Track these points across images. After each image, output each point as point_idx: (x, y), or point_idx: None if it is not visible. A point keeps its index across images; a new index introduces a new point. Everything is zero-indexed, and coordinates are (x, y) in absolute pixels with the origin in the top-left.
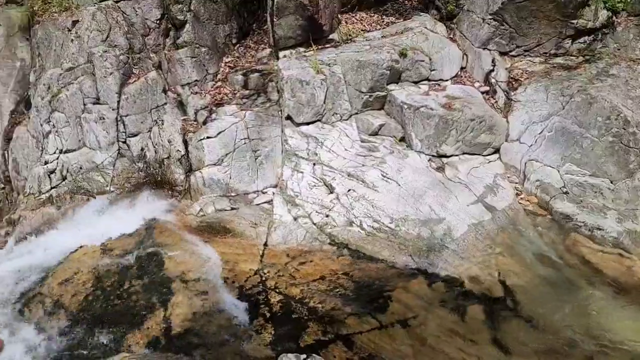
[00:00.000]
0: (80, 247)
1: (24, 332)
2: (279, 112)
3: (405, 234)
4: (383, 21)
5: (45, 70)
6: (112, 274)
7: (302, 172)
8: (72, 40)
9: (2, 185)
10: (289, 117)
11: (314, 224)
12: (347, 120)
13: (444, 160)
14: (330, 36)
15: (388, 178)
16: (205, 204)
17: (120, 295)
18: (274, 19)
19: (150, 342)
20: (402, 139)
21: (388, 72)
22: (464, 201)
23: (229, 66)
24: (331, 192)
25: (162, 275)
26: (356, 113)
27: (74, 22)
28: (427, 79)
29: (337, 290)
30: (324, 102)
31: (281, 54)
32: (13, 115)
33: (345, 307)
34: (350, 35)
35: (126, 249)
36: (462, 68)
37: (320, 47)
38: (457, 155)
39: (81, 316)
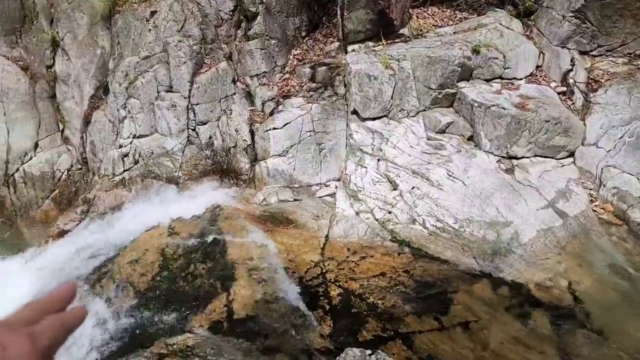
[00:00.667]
0: (149, 228)
1: (96, 305)
2: (345, 107)
3: (470, 235)
4: (456, 17)
5: (124, 58)
6: (178, 257)
7: (365, 167)
8: (149, 29)
9: (80, 166)
10: (355, 112)
11: (376, 219)
12: (414, 116)
13: (514, 161)
14: (401, 31)
15: (454, 177)
16: (268, 194)
17: (185, 278)
18: (345, 13)
19: (212, 325)
20: (470, 138)
21: (459, 69)
22: (533, 205)
23: (297, 59)
24: (394, 189)
25: (225, 260)
26: (424, 110)
27: (152, 13)
28: (500, 77)
29: (397, 287)
30: (392, 98)
31: (350, 47)
32: (92, 100)
33: (405, 306)
34: (421, 30)
35: (191, 233)
36: (537, 67)
37: (389, 41)
38: (528, 157)
39: (148, 295)
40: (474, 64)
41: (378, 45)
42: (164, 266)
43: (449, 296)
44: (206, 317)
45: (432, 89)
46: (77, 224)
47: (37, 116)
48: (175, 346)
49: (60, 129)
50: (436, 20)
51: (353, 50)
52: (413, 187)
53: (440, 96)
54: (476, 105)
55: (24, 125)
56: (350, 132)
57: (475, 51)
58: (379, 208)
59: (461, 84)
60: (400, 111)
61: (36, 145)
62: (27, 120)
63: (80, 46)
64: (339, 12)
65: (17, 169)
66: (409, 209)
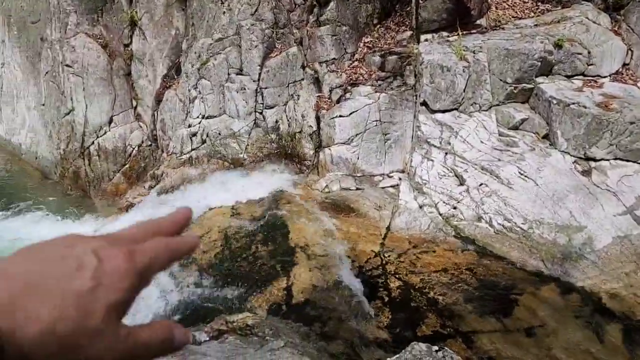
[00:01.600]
0: (213, 207)
1: (160, 278)
2: (414, 97)
3: (539, 237)
4: (537, 8)
5: (197, 40)
6: (240, 237)
7: (432, 161)
8: (223, 12)
9: (150, 143)
10: (424, 103)
11: (440, 214)
12: (486, 111)
13: (592, 163)
14: (478, 21)
15: (525, 176)
16: (331, 181)
17: (246, 258)
18: (420, 1)
19: (271, 306)
20: (546, 137)
21: (539, 63)
22: (610, 211)
23: (367, 46)
24: (461, 184)
25: (286, 244)
26: (497, 104)
27: None
28: (582, 74)
29: (460, 285)
30: (464, 91)
31: (423, 37)
32: (165, 79)
33: (467, 304)
34: (499, 21)
35: (254, 215)
36: (624, 65)
37: (465, 32)
38: (607, 160)
39: (210, 272)
40: (555, 59)
41: (453, 36)
42: (226, 245)
43: (513, 298)
44: (265, 298)
45: (507, 83)
46: (145, 199)
47: (113, 92)
48: (234, 323)
49: (134, 106)
50: (516, 12)
51: (426, 40)
52: (481, 184)
53: (515, 91)
54: (554, 102)
55: (101, 100)
56: (418, 123)
57: (558, 45)
58: (444, 203)
59: (539, 79)
60: (472, 105)
61: (111, 121)
62: (104, 95)
63: (156, 26)
64: (413, 1)
65: (93, 142)
66: (475, 206)
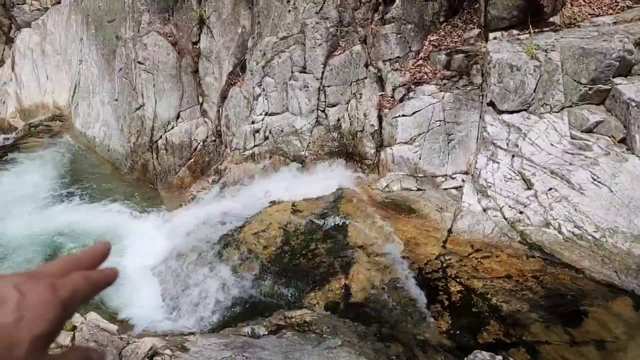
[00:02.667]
0: (274, 203)
1: (221, 270)
2: (480, 97)
3: (612, 246)
4: (617, 5)
5: (262, 38)
6: (300, 234)
7: (498, 163)
8: (289, 11)
9: (214, 138)
10: (491, 104)
11: (505, 218)
12: (557, 112)
13: None
14: (551, 19)
15: (599, 182)
16: (391, 181)
17: (305, 255)
18: None
19: (329, 304)
20: (622, 141)
21: (617, 63)
22: None
23: (432, 45)
24: (529, 188)
25: (345, 243)
26: (569, 106)
27: None
28: None
29: (524, 292)
30: (534, 91)
31: (491, 35)
32: (230, 77)
33: (532, 313)
34: (574, 18)
35: (313, 212)
36: None
37: (537, 30)
38: None
39: (270, 267)
40: (635, 59)
41: (524, 34)
42: (285, 241)
43: (583, 309)
44: (323, 295)
45: (581, 83)
46: (208, 193)
47: (181, 89)
48: (293, 319)
49: (200, 102)
50: (593, 9)
51: (495, 38)
52: (550, 189)
53: (590, 92)
54: (634, 104)
55: (170, 96)
56: (484, 124)
57: (638, 44)
58: (509, 207)
59: (617, 80)
60: (542, 106)
61: (178, 116)
62: (172, 92)
63: (224, 25)
64: None
65: (161, 137)
66: (543, 211)
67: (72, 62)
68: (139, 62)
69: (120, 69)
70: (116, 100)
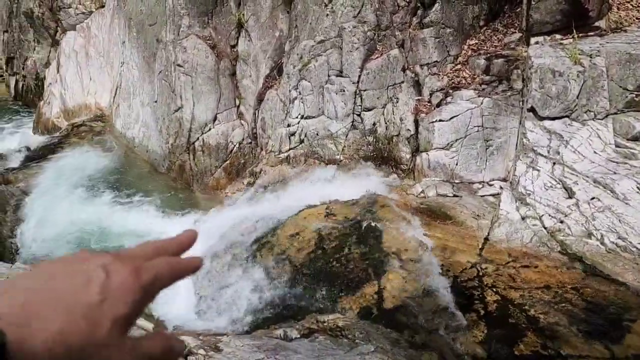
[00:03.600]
0: (308, 207)
1: (255, 272)
2: (520, 103)
3: None
4: None
5: (300, 41)
6: (334, 238)
7: (538, 170)
8: (327, 14)
9: (250, 141)
10: (531, 109)
11: (544, 227)
12: (601, 119)
13: None
14: (596, 23)
15: None
16: (427, 187)
17: (339, 259)
18: (532, 2)
19: (362, 309)
20: None
21: None
22: None
23: (472, 49)
24: (570, 197)
25: (379, 248)
26: (615, 113)
27: None
28: None
29: (563, 304)
30: (577, 97)
31: (533, 40)
32: (267, 80)
33: (571, 325)
34: (621, 23)
35: (348, 217)
36: None
37: (581, 34)
38: None
39: (303, 270)
40: None
41: (567, 39)
42: (319, 245)
43: (625, 324)
44: (356, 300)
45: (628, 90)
46: (243, 194)
47: (218, 91)
48: (325, 324)
49: (237, 104)
50: None
51: (536, 43)
52: (593, 198)
53: (637, 99)
54: None
55: (208, 98)
56: (524, 130)
57: None
58: (549, 216)
59: None
60: (585, 112)
61: (215, 118)
62: (210, 94)
63: (262, 28)
64: (524, 1)
65: (198, 138)
66: (585, 221)
67: (114, 64)
68: (178, 65)
69: (160, 72)
70: (155, 101)
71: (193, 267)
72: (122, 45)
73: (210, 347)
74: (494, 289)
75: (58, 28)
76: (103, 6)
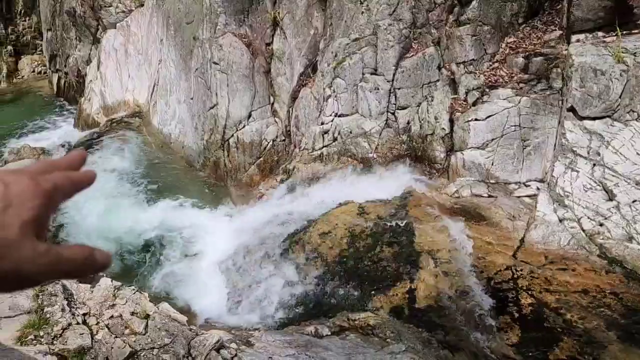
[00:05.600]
0: (340, 205)
1: (286, 268)
2: (559, 102)
3: None
4: None
5: (334, 39)
6: (366, 236)
7: (577, 171)
8: (362, 12)
9: (283, 138)
10: (571, 109)
11: (583, 230)
12: None
13: None
14: None
15: None
16: (461, 186)
17: (371, 258)
18: None
19: (393, 308)
20: None
21: None
22: None
23: (510, 47)
24: (610, 199)
25: (411, 247)
26: None
27: None
28: None
29: (602, 309)
30: (620, 97)
31: (574, 37)
32: (301, 78)
33: (610, 331)
34: None
35: (380, 215)
36: None
37: (625, 32)
38: None
39: (335, 268)
40: None
41: (610, 36)
42: (351, 243)
43: None
44: (388, 299)
45: None
46: (276, 191)
47: (253, 89)
48: (356, 322)
49: (271, 102)
50: None
51: (577, 41)
52: (634, 200)
53: None
54: None
55: (242, 96)
56: (564, 130)
57: None
58: (588, 218)
59: None
60: (628, 112)
61: (249, 115)
62: (245, 92)
63: (297, 26)
64: None
65: (232, 135)
66: (626, 224)
67: (152, 61)
68: (214, 63)
69: (196, 69)
70: (192, 99)
71: (88, 178)
72: (160, 43)
73: (242, 341)
74: (529, 292)
75: (99, 26)
76: (142, 5)
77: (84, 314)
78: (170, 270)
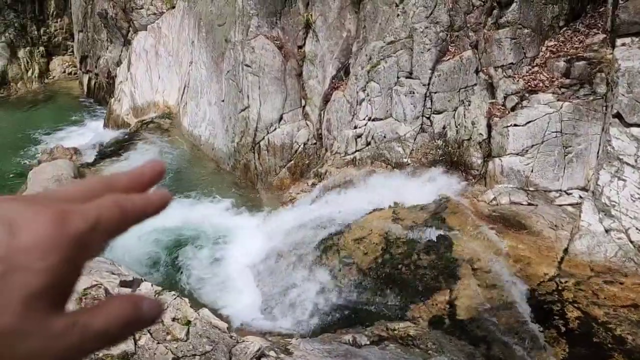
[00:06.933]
0: (374, 210)
1: (320, 274)
2: (604, 108)
3: None
4: None
5: (368, 42)
6: (401, 243)
7: (624, 180)
8: (397, 15)
9: (314, 141)
10: (617, 115)
11: (631, 241)
12: None
13: None
14: None
15: None
16: (499, 194)
17: (408, 266)
18: (619, 1)
19: (433, 319)
20: None
21: None
22: None
23: (550, 51)
24: None
25: (449, 255)
26: None
27: None
28: None
29: None
30: None
31: (619, 41)
32: (333, 80)
33: None
34: None
35: (415, 221)
36: None
37: None
38: None
39: (370, 275)
40: None
41: None
42: (386, 250)
43: None
44: (427, 309)
45: None
46: (308, 195)
47: (284, 91)
48: (396, 331)
49: (302, 105)
50: None
51: (623, 45)
52: None
53: None
54: None
55: (274, 98)
56: (609, 137)
57: None
58: (637, 229)
59: None
60: None
61: (281, 118)
62: (276, 94)
63: (329, 29)
64: (610, 0)
65: (263, 138)
66: None
67: (182, 63)
68: (246, 65)
69: (228, 71)
70: (223, 101)
71: (157, 204)
72: (191, 45)
73: (280, 349)
74: (575, 305)
75: (130, 28)
76: (174, 7)
77: None
78: (201, 273)
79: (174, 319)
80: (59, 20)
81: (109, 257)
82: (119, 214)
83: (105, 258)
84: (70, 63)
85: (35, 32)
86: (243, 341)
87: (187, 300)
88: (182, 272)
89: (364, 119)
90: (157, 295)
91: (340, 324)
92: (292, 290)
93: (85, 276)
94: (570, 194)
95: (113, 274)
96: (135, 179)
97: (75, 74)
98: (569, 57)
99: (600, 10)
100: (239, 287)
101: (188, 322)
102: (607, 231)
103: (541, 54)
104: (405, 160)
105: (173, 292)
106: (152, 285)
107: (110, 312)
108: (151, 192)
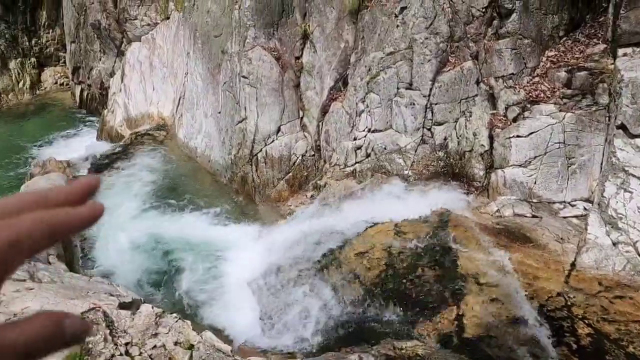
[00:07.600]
0: (376, 224)
1: (322, 290)
2: (607, 119)
3: None
4: None
5: (367, 53)
6: (405, 257)
7: (631, 192)
8: (397, 26)
9: (313, 153)
10: (622, 126)
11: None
12: None
13: None
14: None
15: None
16: (503, 206)
17: (412, 281)
18: (620, 11)
19: (441, 337)
20: None
21: None
22: None
23: (551, 61)
24: None
25: (455, 270)
26: None
27: (402, 9)
28: None
29: None
30: None
31: (621, 51)
32: (331, 92)
33: None
34: None
35: (419, 235)
36: None
37: None
38: None
39: (374, 291)
40: None
41: None
42: (390, 264)
43: None
44: (434, 326)
45: None
46: (307, 208)
47: (282, 103)
48: (403, 351)
49: (300, 116)
50: None
51: (625, 55)
52: None
53: None
54: None
55: (271, 110)
56: (613, 149)
57: None
58: None
59: None
60: None
61: (278, 130)
62: (274, 106)
63: (327, 39)
64: (611, 10)
65: (261, 150)
66: None
67: (177, 74)
68: (243, 76)
69: (224, 83)
70: (219, 112)
71: (86, 216)
72: (186, 56)
73: None
74: (586, 321)
75: (124, 39)
76: (168, 18)
77: (126, 344)
78: (199, 290)
79: (176, 343)
80: (50, 31)
81: (106, 274)
82: (43, 227)
83: (103, 278)
84: (62, 74)
85: (27, 43)
86: None
87: (189, 322)
88: (180, 290)
89: (364, 131)
90: (157, 318)
91: (344, 341)
92: (294, 306)
93: (83, 299)
94: (575, 205)
95: (112, 295)
96: (70, 192)
97: (67, 85)
98: (569, 67)
99: (600, 20)
100: (238, 304)
101: (191, 346)
102: (614, 244)
103: (542, 64)
104: (406, 172)
105: (174, 315)
106: (152, 307)
107: (32, 329)
108: (87, 205)
